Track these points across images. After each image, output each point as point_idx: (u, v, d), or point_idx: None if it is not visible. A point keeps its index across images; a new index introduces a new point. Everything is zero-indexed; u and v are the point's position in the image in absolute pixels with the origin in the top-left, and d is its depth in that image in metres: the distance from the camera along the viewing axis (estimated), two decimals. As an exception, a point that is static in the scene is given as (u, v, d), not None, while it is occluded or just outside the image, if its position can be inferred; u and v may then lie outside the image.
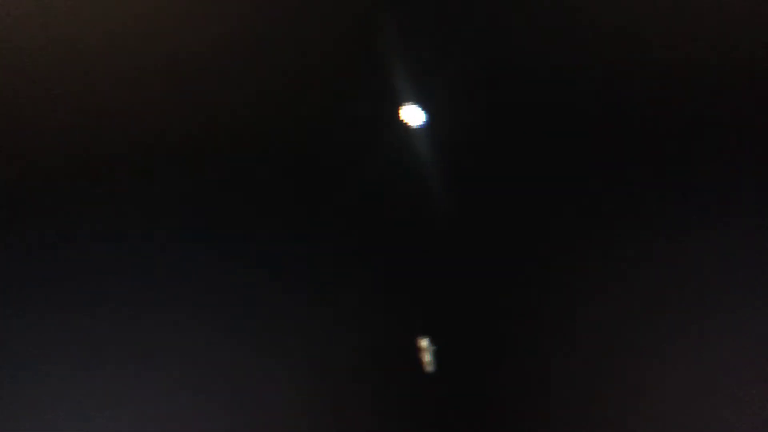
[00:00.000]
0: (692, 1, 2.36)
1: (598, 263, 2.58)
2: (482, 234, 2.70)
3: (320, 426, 2.34)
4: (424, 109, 2.71)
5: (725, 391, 2.29)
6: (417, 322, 2.44)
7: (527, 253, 2.66)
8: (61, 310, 2.24)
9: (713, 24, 2.38)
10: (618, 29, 2.49)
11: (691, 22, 2.44)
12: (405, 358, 2.36)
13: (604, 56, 2.58)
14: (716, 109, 2.51)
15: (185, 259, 2.43)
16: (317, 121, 2.70)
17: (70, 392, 2.17)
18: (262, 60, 2.62)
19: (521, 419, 2.55)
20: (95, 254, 2.34)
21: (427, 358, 2.35)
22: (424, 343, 2.40)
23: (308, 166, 2.71)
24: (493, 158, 2.78)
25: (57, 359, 2.19)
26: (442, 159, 2.79)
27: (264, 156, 2.66)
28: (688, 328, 2.40)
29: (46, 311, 2.23)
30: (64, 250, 2.29)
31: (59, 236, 2.31)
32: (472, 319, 2.58)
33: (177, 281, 2.40)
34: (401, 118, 2.69)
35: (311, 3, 2.59)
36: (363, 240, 2.71)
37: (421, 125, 2.70)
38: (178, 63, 2.50)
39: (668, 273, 2.47)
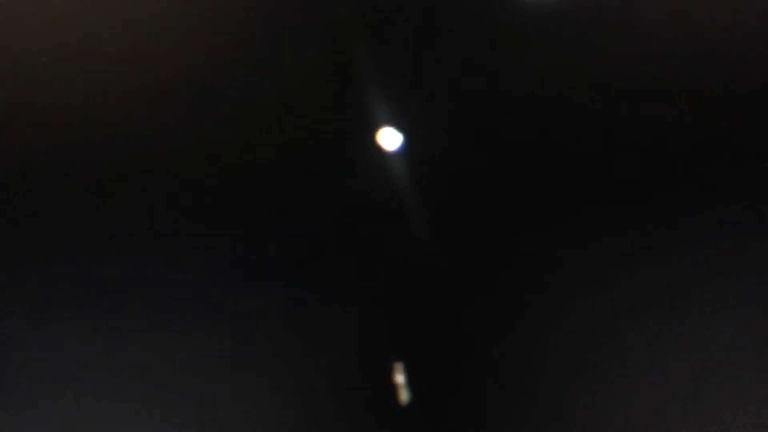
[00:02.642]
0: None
1: (584, 291, 2.46)
2: (461, 261, 2.57)
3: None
4: (401, 131, 2.62)
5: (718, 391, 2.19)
6: (392, 351, 2.32)
7: (507, 282, 2.54)
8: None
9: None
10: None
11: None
12: (380, 388, 2.26)
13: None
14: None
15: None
16: (291, 147, 2.61)
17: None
18: (235, 84, 2.54)
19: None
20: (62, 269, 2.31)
21: (401, 388, 2.21)
22: (399, 373, 2.25)
23: (283, 192, 2.61)
24: (475, 183, 2.67)
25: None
26: (421, 184, 2.68)
27: (237, 182, 2.56)
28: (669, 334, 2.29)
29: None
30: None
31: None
32: (449, 347, 2.45)
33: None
34: (378, 142, 2.60)
35: (283, 28, 2.55)
36: (340, 269, 2.60)
37: (398, 149, 2.60)
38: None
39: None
